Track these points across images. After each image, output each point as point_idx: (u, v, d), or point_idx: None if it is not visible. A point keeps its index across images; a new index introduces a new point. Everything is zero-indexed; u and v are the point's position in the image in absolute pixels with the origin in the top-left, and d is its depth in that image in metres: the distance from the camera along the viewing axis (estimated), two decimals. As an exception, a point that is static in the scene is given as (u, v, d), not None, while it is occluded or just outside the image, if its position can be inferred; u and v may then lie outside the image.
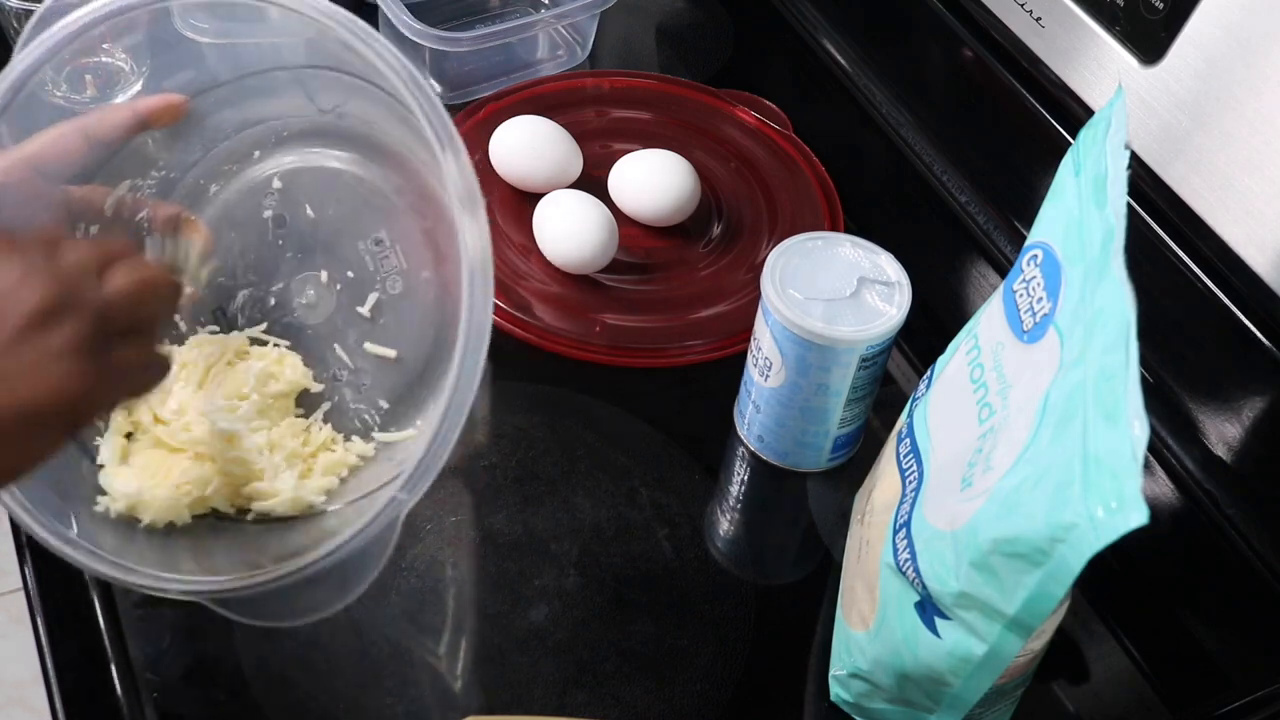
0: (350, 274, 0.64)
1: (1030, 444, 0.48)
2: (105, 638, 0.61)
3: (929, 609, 0.52)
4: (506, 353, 0.74)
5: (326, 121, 0.64)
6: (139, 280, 0.49)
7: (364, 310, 0.64)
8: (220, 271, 0.64)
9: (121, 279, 0.48)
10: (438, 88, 0.91)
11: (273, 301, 0.65)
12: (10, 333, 0.45)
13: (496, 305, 0.70)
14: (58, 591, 0.63)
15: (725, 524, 0.69)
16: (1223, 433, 0.70)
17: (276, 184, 0.65)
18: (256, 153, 0.65)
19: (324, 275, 0.65)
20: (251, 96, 0.64)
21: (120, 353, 0.48)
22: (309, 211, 0.65)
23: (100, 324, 0.47)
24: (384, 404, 0.64)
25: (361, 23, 0.54)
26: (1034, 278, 0.53)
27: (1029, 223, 0.57)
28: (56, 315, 0.45)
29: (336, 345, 0.64)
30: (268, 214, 0.65)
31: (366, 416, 0.64)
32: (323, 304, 0.64)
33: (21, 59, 0.56)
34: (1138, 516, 0.40)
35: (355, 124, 0.64)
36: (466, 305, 0.52)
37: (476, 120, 0.89)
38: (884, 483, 0.60)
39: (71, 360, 0.46)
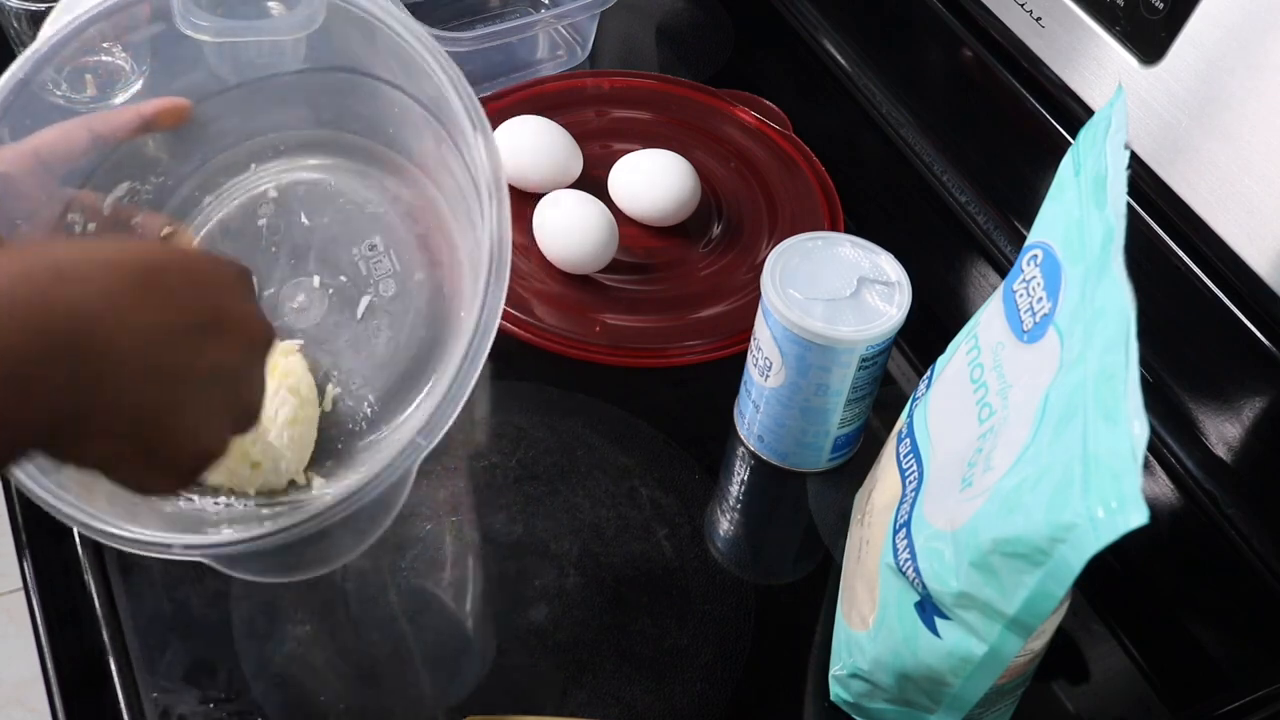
0: (343, 278, 0.64)
1: (1030, 444, 0.48)
2: (105, 637, 0.61)
3: (929, 609, 0.52)
4: (506, 353, 0.74)
5: (325, 135, 0.65)
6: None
7: (356, 313, 0.64)
8: None
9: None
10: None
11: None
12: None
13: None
14: (58, 591, 0.63)
15: (725, 524, 0.69)
16: (1223, 433, 0.70)
17: (272, 194, 0.65)
18: (253, 165, 0.65)
19: (316, 280, 0.65)
20: (255, 104, 0.64)
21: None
22: (304, 219, 0.65)
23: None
24: (376, 404, 0.64)
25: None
26: (1034, 278, 0.53)
27: (1029, 223, 0.57)
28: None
29: (328, 348, 0.65)
30: (262, 222, 0.65)
31: (359, 416, 0.64)
32: (314, 308, 0.65)
33: (23, 59, 0.56)
34: (1138, 516, 0.40)
35: (353, 137, 0.64)
36: (492, 233, 0.54)
37: (476, 120, 0.89)
38: (884, 483, 0.60)
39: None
